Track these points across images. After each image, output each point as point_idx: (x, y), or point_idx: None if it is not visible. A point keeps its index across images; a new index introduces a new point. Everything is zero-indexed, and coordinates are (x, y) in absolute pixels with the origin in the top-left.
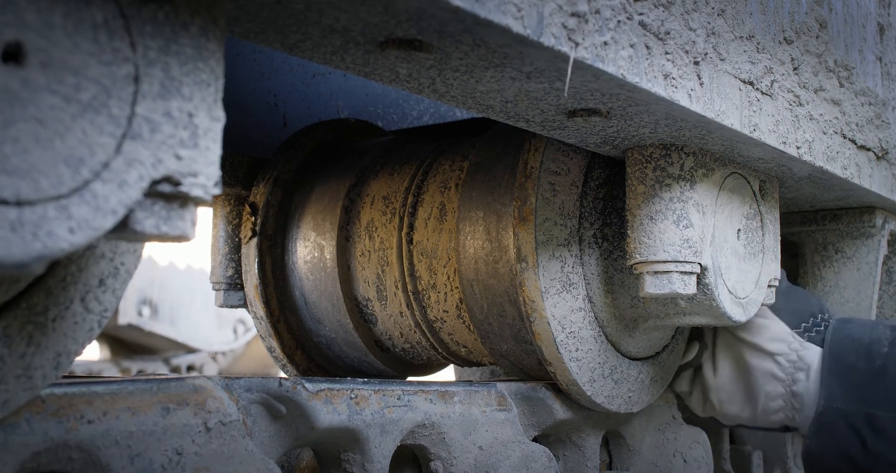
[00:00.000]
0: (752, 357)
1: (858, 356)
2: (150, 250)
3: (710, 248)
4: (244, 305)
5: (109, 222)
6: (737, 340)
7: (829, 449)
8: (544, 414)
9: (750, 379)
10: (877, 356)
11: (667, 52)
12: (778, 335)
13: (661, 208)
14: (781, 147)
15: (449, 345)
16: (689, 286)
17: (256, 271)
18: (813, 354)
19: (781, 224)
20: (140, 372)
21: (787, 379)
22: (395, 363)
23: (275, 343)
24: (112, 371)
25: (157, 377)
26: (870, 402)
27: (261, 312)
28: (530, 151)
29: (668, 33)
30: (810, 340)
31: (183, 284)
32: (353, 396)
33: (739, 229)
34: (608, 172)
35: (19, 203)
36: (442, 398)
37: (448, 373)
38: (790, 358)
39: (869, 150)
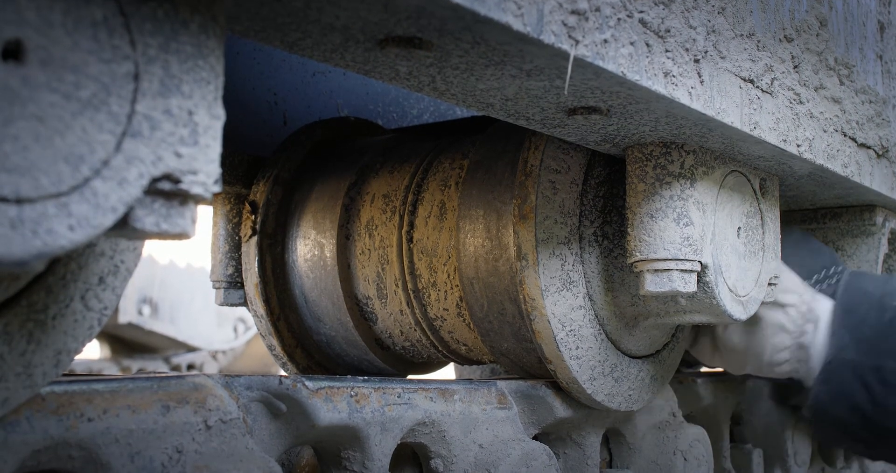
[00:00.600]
0: (763, 309)
1: (870, 309)
2: (150, 248)
3: (711, 246)
4: (244, 303)
5: (109, 220)
6: None
7: (837, 399)
8: (544, 412)
9: (758, 330)
10: (888, 308)
11: (667, 50)
12: (791, 287)
13: (661, 206)
14: (782, 145)
15: (449, 343)
16: (689, 284)
17: (256, 269)
18: (823, 306)
19: (782, 222)
20: (140, 371)
21: (796, 331)
22: (395, 362)
23: (275, 342)
24: (112, 370)
25: (158, 375)
26: (880, 354)
27: (261, 310)
28: (530, 150)
29: (669, 31)
30: (822, 292)
31: (183, 282)
32: (353, 394)
33: (740, 227)
34: (608, 171)
35: (19, 201)
36: (442, 396)
37: (448, 371)
38: (801, 310)
39: (869, 148)
